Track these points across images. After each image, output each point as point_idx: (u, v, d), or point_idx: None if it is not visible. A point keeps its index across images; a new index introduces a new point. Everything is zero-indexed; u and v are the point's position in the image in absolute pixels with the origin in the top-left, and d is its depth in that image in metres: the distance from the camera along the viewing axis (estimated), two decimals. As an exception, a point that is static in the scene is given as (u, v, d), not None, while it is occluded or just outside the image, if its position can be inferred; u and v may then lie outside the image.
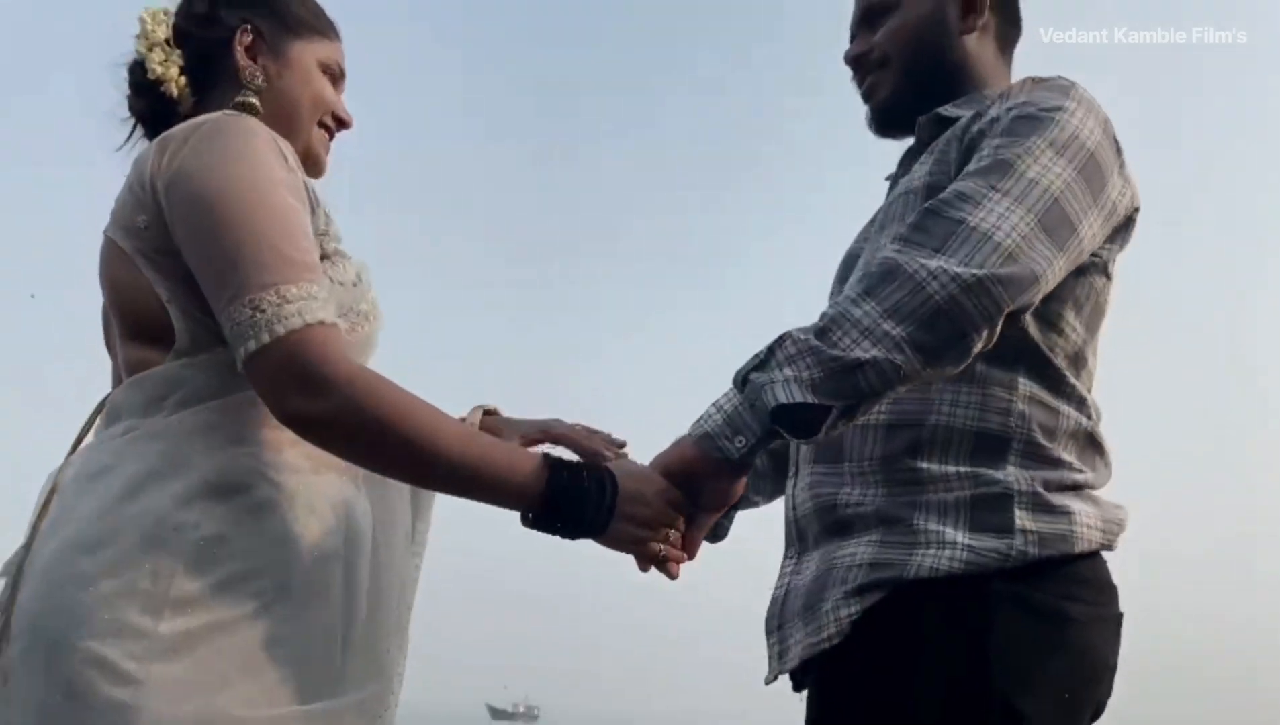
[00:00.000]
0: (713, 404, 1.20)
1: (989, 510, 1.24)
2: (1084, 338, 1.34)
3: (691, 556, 1.27)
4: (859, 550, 1.27)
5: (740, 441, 1.16)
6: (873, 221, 1.53)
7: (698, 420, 1.20)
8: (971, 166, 1.26)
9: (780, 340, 1.17)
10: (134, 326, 1.26)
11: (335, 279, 1.24)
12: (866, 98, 1.53)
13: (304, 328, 1.11)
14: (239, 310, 1.12)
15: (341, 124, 1.44)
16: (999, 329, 1.18)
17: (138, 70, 1.35)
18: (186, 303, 1.20)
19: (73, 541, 1.12)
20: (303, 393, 1.11)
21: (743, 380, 1.18)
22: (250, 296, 1.11)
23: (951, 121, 1.41)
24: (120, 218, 1.24)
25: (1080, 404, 1.32)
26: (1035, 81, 1.38)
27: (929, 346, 1.14)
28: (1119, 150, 1.34)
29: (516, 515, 1.18)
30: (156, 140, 1.22)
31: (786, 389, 1.12)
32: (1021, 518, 1.23)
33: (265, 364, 1.11)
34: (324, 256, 1.24)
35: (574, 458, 1.36)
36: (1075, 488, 1.29)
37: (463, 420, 1.49)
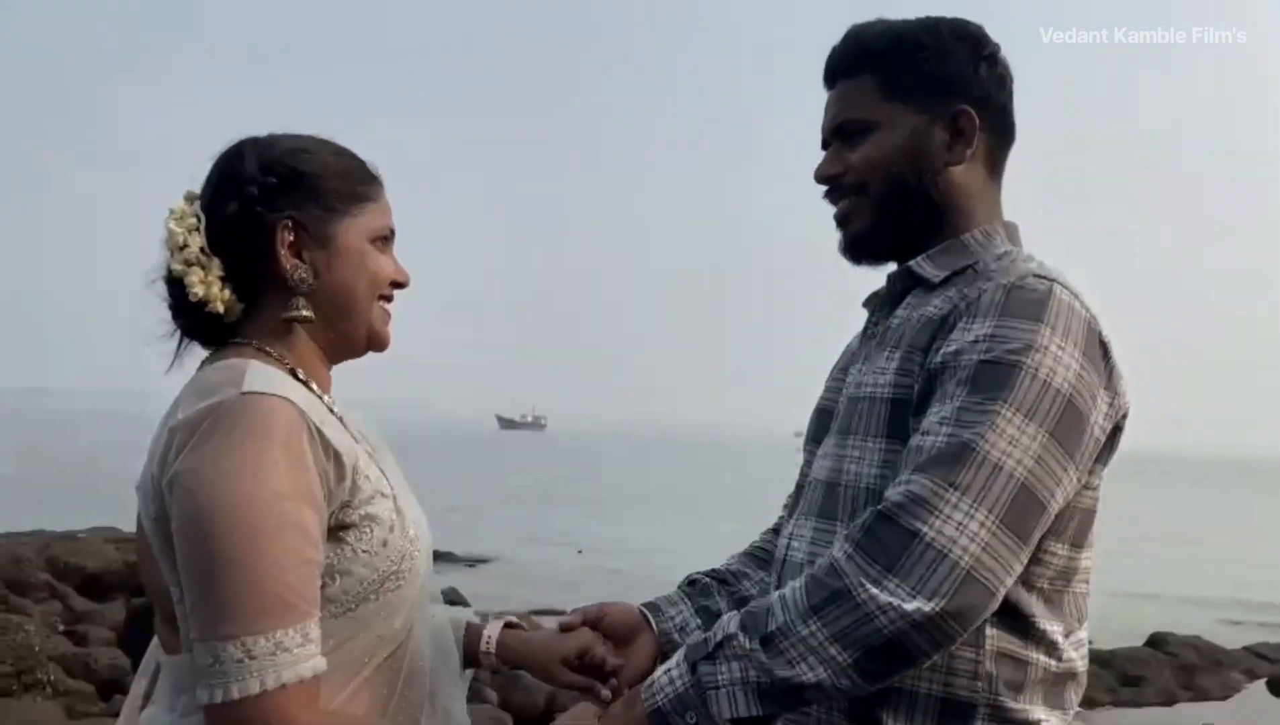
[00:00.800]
0: (664, 673, 1.22)
1: None
2: (1070, 554, 1.27)
3: None
4: None
5: (691, 716, 1.18)
6: (844, 372, 1.46)
7: (650, 689, 1.22)
8: (929, 436, 1.18)
9: (729, 638, 1.18)
10: (160, 608, 1.24)
11: (359, 549, 1.20)
12: (840, 223, 1.43)
13: (260, 696, 1.06)
14: (202, 652, 1.08)
15: (399, 286, 1.36)
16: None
17: (178, 289, 1.25)
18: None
19: None
20: None
21: (692, 667, 1.19)
22: (214, 643, 1.07)
23: (924, 282, 1.36)
24: (144, 491, 1.19)
25: (1051, 648, 1.26)
26: (1008, 293, 1.23)
27: (875, 672, 1.13)
28: (1106, 355, 1.25)
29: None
30: (168, 427, 1.16)
31: (731, 699, 1.15)
32: None
33: (217, 723, 1.09)
34: (347, 527, 1.20)
35: None
36: None
37: (478, 629, 1.52)
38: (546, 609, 12.63)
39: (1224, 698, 10.30)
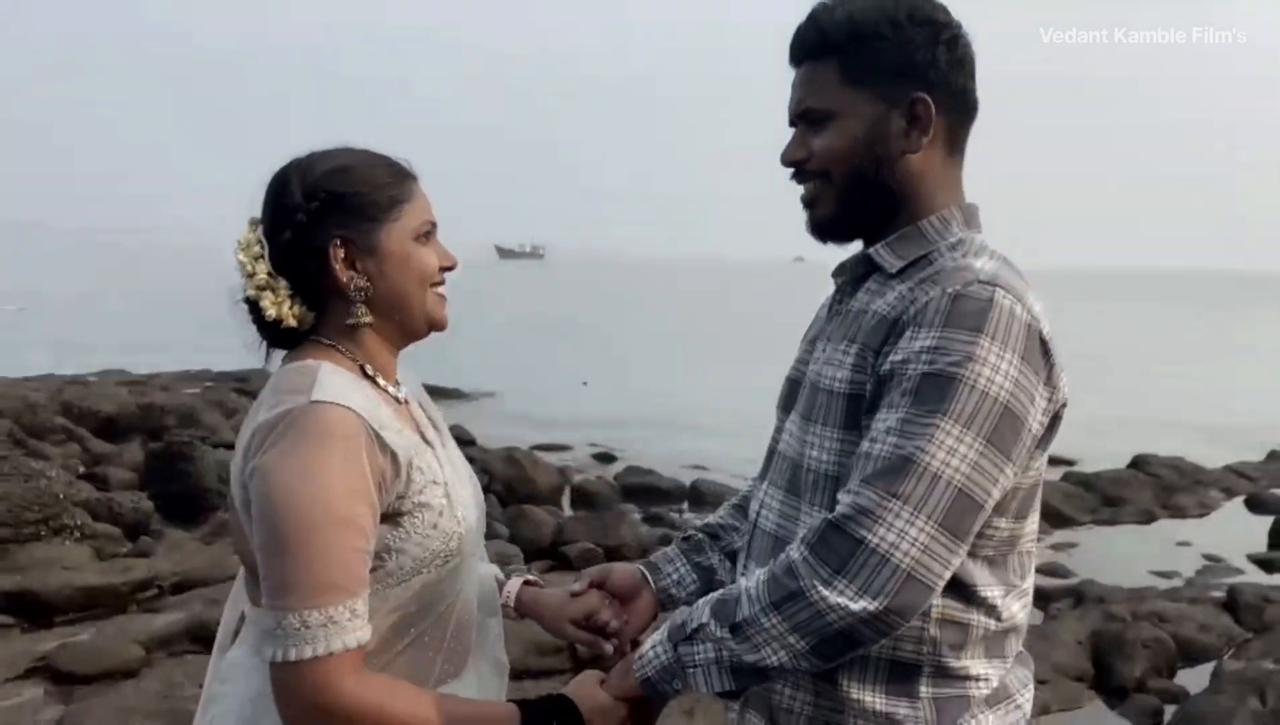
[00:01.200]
0: (651, 648, 1.40)
1: None
2: (1014, 525, 1.39)
3: None
4: None
5: (678, 684, 1.38)
6: (813, 343, 1.56)
7: (641, 661, 1.41)
8: (876, 443, 1.29)
9: (703, 625, 1.35)
10: (249, 570, 1.43)
11: (413, 531, 1.40)
12: (806, 205, 1.50)
13: (312, 660, 1.26)
14: (267, 614, 1.29)
15: (448, 270, 1.51)
16: None
17: (256, 310, 1.43)
18: None
19: None
20: (307, 717, 1.29)
21: (674, 646, 1.37)
22: (277, 611, 1.27)
23: (882, 271, 1.45)
24: (235, 480, 1.38)
25: (991, 610, 1.38)
26: (953, 301, 1.31)
27: (829, 654, 1.28)
28: (1046, 352, 1.32)
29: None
30: (249, 430, 1.35)
31: (707, 675, 1.34)
32: None
33: (279, 678, 1.29)
34: (403, 513, 1.39)
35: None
36: (986, 702, 1.40)
37: (502, 585, 1.73)
38: (551, 444, 13.05)
39: (1201, 516, 10.70)
